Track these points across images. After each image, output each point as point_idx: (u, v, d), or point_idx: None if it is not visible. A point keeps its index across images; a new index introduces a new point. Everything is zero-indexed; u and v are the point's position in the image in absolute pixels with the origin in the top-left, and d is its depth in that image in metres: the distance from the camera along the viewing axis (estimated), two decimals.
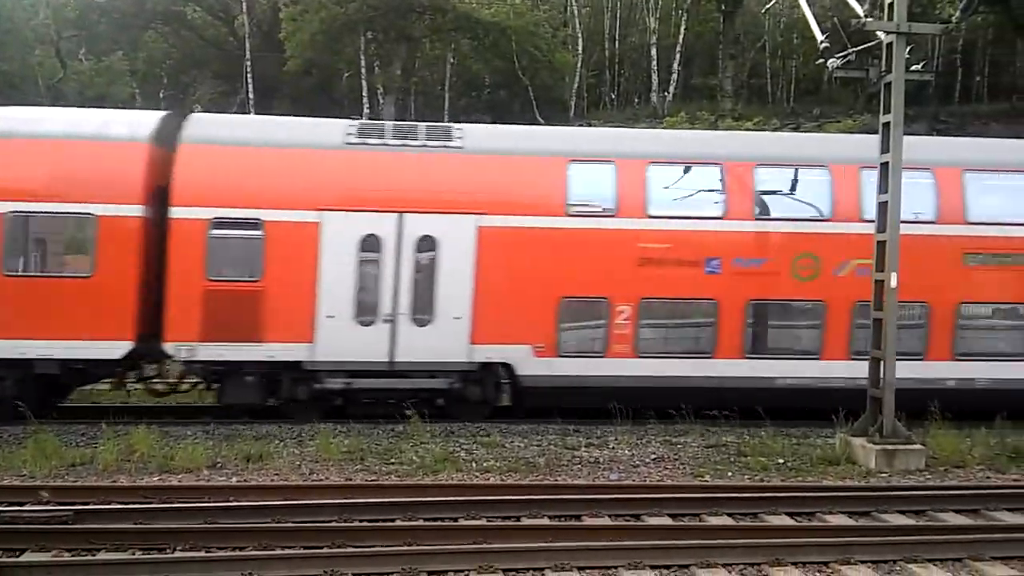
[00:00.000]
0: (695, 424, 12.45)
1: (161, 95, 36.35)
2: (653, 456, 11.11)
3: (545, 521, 8.43)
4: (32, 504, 8.48)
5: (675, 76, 34.53)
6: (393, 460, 10.71)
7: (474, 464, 10.63)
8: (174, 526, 7.89)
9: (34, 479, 9.52)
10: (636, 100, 36.98)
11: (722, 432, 12.24)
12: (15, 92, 27.74)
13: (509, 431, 12.40)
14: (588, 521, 8.47)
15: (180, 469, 9.98)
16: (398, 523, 8.23)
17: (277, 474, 10.06)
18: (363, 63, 32.96)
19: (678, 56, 34.53)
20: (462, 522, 8.33)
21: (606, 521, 8.49)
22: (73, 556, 7.15)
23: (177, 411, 14.16)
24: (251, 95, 33.34)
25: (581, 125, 23.44)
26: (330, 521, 8.27)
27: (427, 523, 8.25)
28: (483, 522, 8.32)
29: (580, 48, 35.77)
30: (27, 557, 7.12)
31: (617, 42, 37.80)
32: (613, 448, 11.50)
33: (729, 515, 8.72)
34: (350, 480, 9.86)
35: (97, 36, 36.96)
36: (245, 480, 9.80)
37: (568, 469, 10.50)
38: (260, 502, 8.68)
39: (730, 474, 10.39)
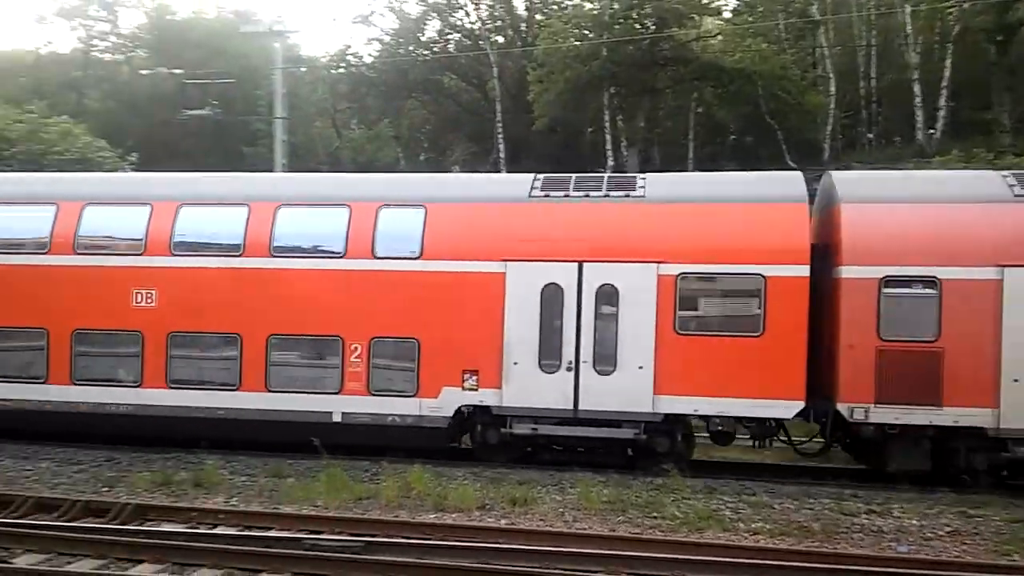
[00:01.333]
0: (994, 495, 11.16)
1: (422, 158, 39.19)
2: (947, 528, 10.04)
3: None
4: (327, 533, 9.22)
5: (942, 112, 31.98)
6: (655, 514, 10.51)
7: (741, 524, 10.17)
8: (450, 563, 8.24)
9: (327, 510, 10.34)
10: (897, 139, 34.60)
11: None
12: (299, 160, 30.99)
13: (777, 491, 11.79)
14: None
15: (452, 508, 10.43)
16: None
17: (542, 519, 10.21)
18: (607, 117, 33.60)
19: (944, 91, 32.00)
20: None
21: None
22: None
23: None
24: (502, 154, 35.00)
25: (838, 168, 22.19)
26: (596, 572, 8.25)
27: None
28: None
29: (832, 88, 34.18)
30: None
31: (873, 80, 35.73)
32: (899, 517, 10.54)
33: None
34: (613, 531, 9.80)
35: (367, 107, 40.64)
36: (512, 523, 10.04)
37: (847, 537, 9.74)
38: (528, 546, 8.84)
39: None
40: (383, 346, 13.48)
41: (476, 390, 13.19)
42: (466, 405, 13.25)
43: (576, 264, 13.04)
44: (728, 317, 12.97)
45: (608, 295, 12.94)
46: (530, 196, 13.65)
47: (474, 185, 15.24)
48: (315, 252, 14.14)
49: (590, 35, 32.23)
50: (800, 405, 12.35)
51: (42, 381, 14.35)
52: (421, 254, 13.49)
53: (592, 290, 12.98)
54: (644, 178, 14.03)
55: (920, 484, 11.94)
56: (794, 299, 12.32)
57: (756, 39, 32.56)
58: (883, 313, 12.07)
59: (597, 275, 12.97)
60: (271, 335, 13.72)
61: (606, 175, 14.76)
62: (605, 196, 13.45)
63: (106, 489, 11.53)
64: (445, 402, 13.26)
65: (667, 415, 12.79)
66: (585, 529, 9.87)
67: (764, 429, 13.09)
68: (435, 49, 38.55)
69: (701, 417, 13.08)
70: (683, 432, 13.30)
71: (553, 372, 12.99)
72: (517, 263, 13.20)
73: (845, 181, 13.51)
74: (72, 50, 43.66)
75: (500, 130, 35.44)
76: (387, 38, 39.60)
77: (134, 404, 14.09)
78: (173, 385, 13.97)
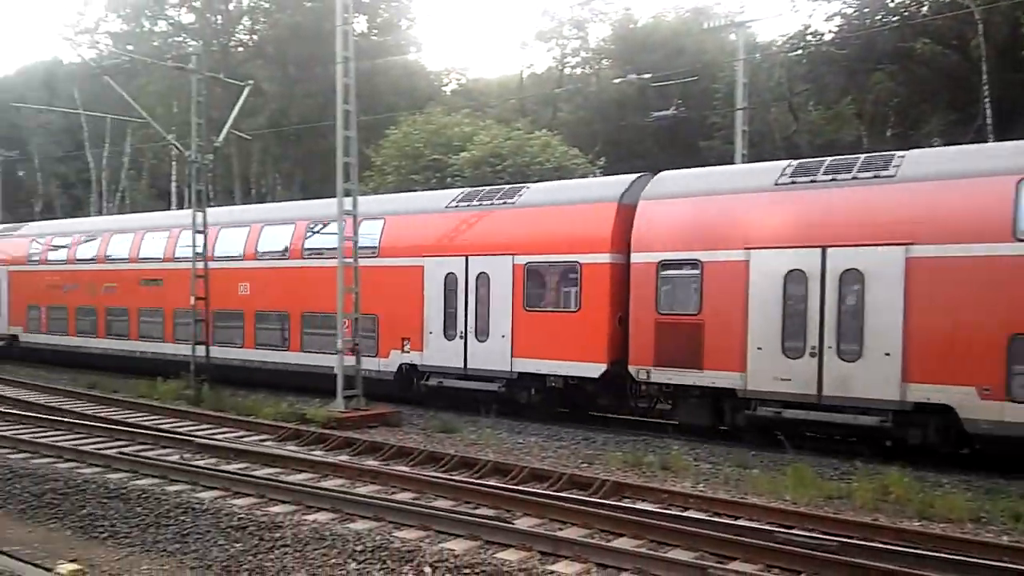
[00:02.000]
0: None
1: (888, 134, 36.10)
2: None
3: None
4: (799, 530, 8.95)
5: None
6: None
7: None
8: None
9: (796, 505, 10.06)
10: None
11: None
12: (754, 148, 30.57)
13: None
14: None
15: (940, 517, 9.44)
16: None
17: None
18: None
19: None
20: None
21: None
22: None
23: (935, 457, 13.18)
24: (989, 120, 30.68)
25: None
26: None
27: None
28: None
29: None
30: None
31: None
32: None
33: None
34: None
35: (825, 87, 38.61)
36: (1017, 541, 8.74)
37: None
38: None
39: None
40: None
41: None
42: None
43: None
44: (557, 296, 16.19)
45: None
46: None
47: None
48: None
49: None
50: (603, 367, 15.34)
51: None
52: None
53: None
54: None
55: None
56: (599, 281, 15.45)
57: None
58: (660, 291, 14.72)
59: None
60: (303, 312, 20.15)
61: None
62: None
63: (586, 465, 12.62)
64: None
65: (520, 373, 16.38)
66: None
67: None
68: (905, 14, 35.16)
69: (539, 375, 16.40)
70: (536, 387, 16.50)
71: (453, 339, 17.53)
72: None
73: (657, 180, 15.86)
74: (547, 69, 48.70)
75: (986, 94, 31.07)
76: (850, 10, 37.15)
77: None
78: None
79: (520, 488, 10.77)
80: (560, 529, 9.23)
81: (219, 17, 47.17)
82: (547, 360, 16.13)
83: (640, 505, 10.17)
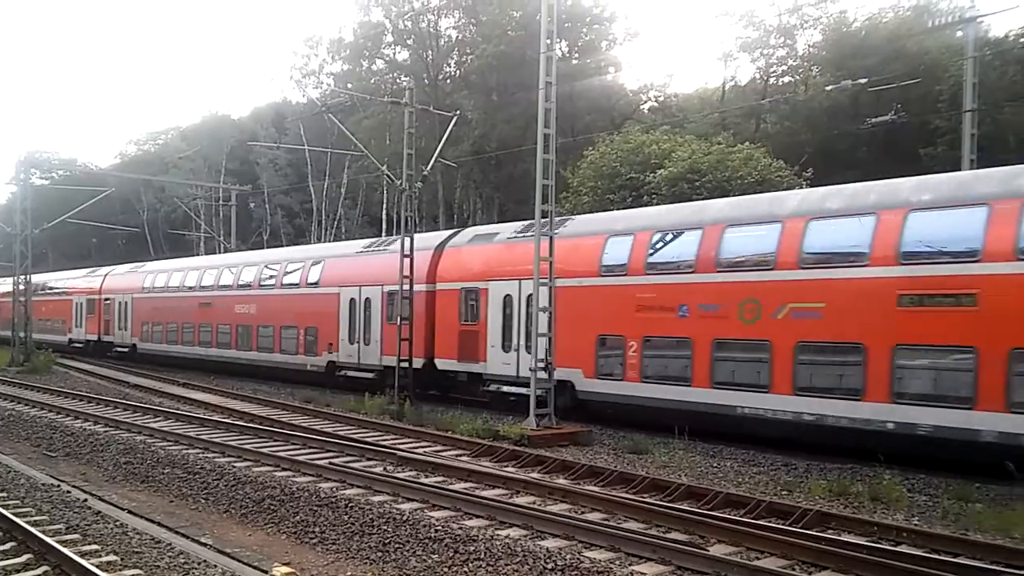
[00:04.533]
0: None
1: None
2: None
3: None
4: None
5: None
6: None
7: None
8: None
9: None
10: None
11: None
12: (985, 153, 27.88)
13: None
14: None
15: None
16: None
17: None
18: None
19: None
20: None
21: None
22: None
23: None
24: None
25: None
26: None
27: None
28: None
29: None
30: None
31: None
32: None
33: None
34: None
35: None
36: None
37: None
38: None
39: None
40: None
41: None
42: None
43: None
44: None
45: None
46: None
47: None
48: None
49: None
50: (423, 360, 22.47)
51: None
52: None
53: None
54: None
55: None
56: (422, 302, 22.51)
57: None
58: (461, 309, 21.76)
59: None
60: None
61: None
62: None
63: (786, 492, 11.98)
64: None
65: (384, 367, 23.36)
66: None
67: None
68: None
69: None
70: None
71: (356, 343, 25.89)
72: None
73: (458, 235, 24.34)
74: (751, 80, 47.13)
75: None
76: None
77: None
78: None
79: (714, 513, 10.44)
80: (757, 559, 8.83)
81: (430, 53, 49.85)
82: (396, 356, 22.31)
83: (846, 537, 9.52)
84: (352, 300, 25.12)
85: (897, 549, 8.99)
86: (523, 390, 18.39)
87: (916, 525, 10.06)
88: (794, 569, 8.47)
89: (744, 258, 16.00)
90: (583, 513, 10.67)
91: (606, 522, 10.10)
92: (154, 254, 63.74)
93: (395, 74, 52.97)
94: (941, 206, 13.75)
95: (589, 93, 42.49)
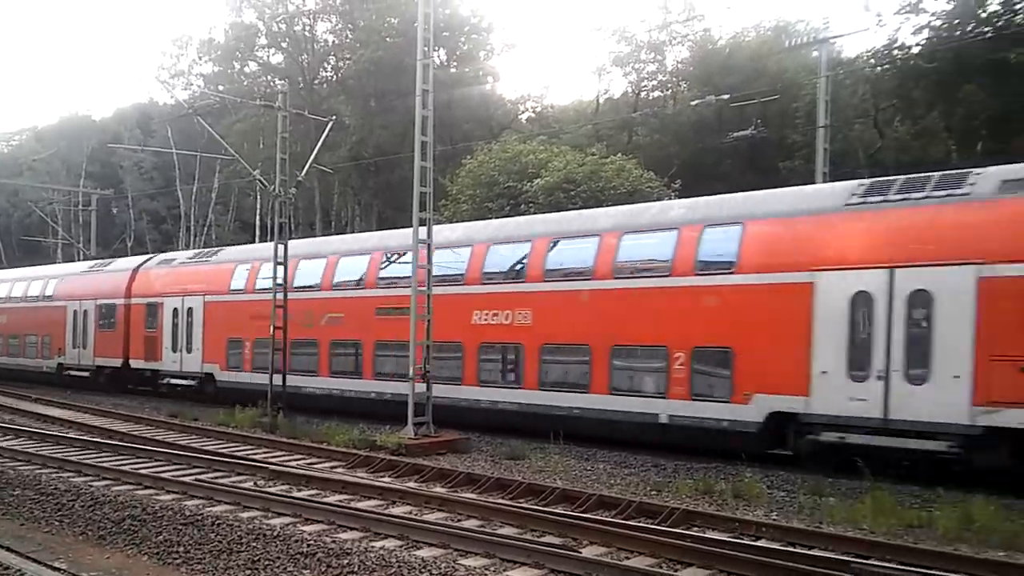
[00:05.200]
0: None
1: (978, 148, 34.59)
2: None
3: None
4: (874, 559, 8.57)
5: None
6: None
7: None
8: None
9: (874, 535, 9.64)
10: None
11: None
12: (835, 168, 29.74)
13: None
14: None
15: None
16: None
17: None
18: None
19: None
20: None
21: None
22: None
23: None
24: None
25: None
26: None
27: None
28: None
29: None
30: None
31: None
32: None
33: None
34: None
35: (913, 102, 37.36)
36: None
37: None
38: None
39: None
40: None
41: None
42: None
43: None
44: (115, 322, 29.26)
45: None
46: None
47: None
48: None
49: None
50: (120, 361, 28.83)
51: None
52: None
53: None
54: None
55: None
56: (122, 313, 28.67)
57: None
58: (147, 319, 27.81)
59: None
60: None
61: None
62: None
63: (655, 492, 12.38)
64: None
65: (97, 366, 29.99)
66: None
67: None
68: (999, 23, 33.77)
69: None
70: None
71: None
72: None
73: (151, 259, 29.78)
74: (623, 93, 48.54)
75: None
76: (939, 22, 35.91)
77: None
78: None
79: (587, 516, 10.64)
80: (627, 558, 9.05)
81: (306, 56, 48.84)
82: (106, 357, 29.14)
83: (710, 534, 9.90)
84: (75, 312, 30.53)
85: (757, 544, 9.42)
86: (186, 381, 26.11)
87: (775, 520, 10.58)
88: (662, 567, 8.70)
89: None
90: (460, 521, 10.66)
91: (482, 529, 10.13)
92: (6, 262, 59.69)
93: (269, 77, 51.66)
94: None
95: (467, 102, 42.71)
